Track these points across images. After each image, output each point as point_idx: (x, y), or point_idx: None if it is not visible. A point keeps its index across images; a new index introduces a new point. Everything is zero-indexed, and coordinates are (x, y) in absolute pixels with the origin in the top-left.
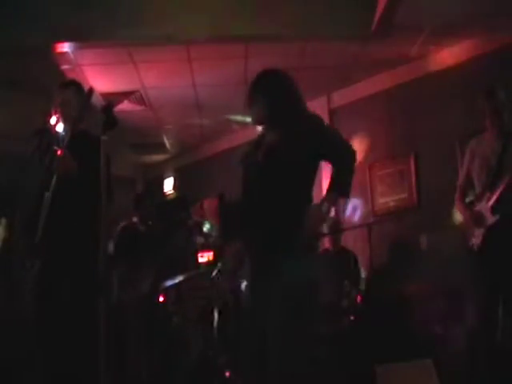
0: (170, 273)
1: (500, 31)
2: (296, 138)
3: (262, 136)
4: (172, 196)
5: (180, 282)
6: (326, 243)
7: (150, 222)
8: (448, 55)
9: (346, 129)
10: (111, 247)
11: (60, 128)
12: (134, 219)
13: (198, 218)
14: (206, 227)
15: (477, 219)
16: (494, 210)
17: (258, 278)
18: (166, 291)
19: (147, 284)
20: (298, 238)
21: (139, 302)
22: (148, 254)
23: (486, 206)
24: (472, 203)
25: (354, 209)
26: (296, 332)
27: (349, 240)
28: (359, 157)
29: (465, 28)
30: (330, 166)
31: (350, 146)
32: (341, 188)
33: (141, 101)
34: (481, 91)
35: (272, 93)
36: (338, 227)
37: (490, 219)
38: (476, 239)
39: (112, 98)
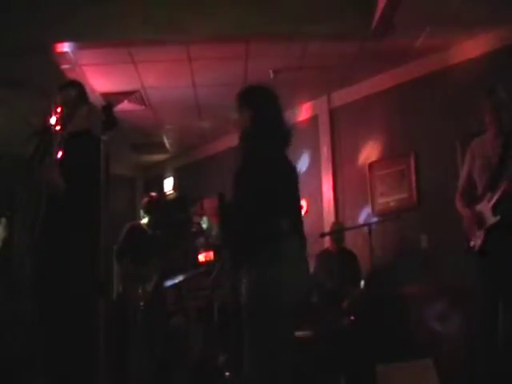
0: (172, 273)
1: (500, 31)
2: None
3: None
4: (172, 196)
5: (180, 282)
6: (327, 243)
7: (158, 230)
8: (448, 55)
9: (346, 129)
10: (117, 246)
11: (60, 128)
12: (142, 221)
13: (198, 219)
14: (205, 225)
15: (477, 220)
16: (495, 210)
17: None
18: (167, 291)
19: (151, 284)
20: (259, 249)
21: (142, 302)
22: (153, 255)
23: (487, 206)
24: (473, 203)
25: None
26: (254, 343)
27: (349, 240)
28: (360, 157)
29: (465, 28)
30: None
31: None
32: None
33: (141, 101)
34: (483, 89)
35: (255, 111)
36: (339, 227)
37: (491, 220)
38: (477, 240)
39: (112, 98)
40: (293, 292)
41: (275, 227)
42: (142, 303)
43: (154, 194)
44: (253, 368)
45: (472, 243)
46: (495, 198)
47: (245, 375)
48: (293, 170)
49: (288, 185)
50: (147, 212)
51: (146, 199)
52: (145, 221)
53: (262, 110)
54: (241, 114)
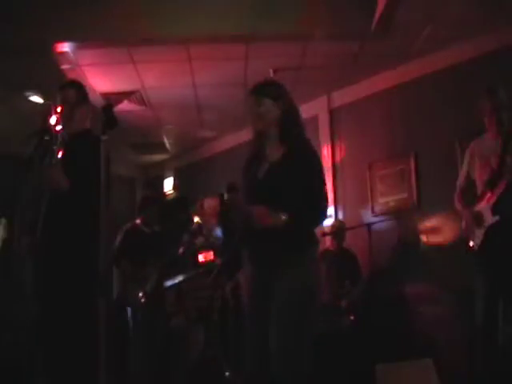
0: (172, 273)
1: (500, 31)
2: (296, 159)
3: (261, 148)
4: (172, 196)
5: (180, 282)
6: (328, 243)
7: (155, 227)
8: (448, 55)
9: (346, 129)
10: (115, 247)
11: (60, 128)
12: (138, 221)
13: (198, 219)
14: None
15: (476, 219)
16: (494, 210)
17: (261, 285)
18: (167, 291)
19: (150, 284)
20: (298, 248)
21: (141, 302)
22: (151, 255)
23: (486, 206)
24: (472, 203)
25: None
26: (299, 334)
27: (349, 240)
28: (360, 157)
29: (465, 28)
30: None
31: (324, 200)
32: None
33: (141, 101)
34: (483, 89)
35: (284, 100)
36: (340, 226)
37: (490, 219)
38: (476, 239)
39: (112, 98)
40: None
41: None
42: (141, 303)
43: (148, 192)
44: (297, 365)
45: (472, 243)
46: (494, 198)
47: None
48: None
49: None
50: (142, 210)
51: (141, 198)
52: (140, 220)
53: (290, 101)
54: (266, 105)
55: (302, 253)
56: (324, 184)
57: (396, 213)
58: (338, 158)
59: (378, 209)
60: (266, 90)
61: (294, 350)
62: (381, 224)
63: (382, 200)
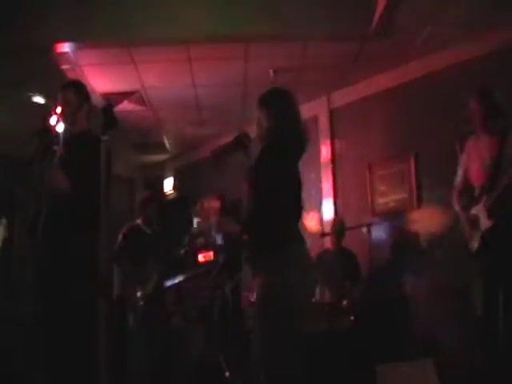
0: (172, 273)
1: (500, 31)
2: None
3: None
4: (173, 196)
5: (180, 282)
6: (328, 243)
7: (156, 227)
8: (448, 55)
9: (346, 129)
10: (115, 247)
11: (60, 128)
12: (139, 221)
13: (198, 219)
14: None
15: (472, 222)
16: (490, 212)
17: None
18: (167, 291)
19: (150, 284)
20: (266, 247)
21: (141, 302)
22: (152, 255)
23: (483, 209)
24: (470, 205)
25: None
26: (266, 334)
27: (348, 240)
28: (360, 157)
29: (465, 28)
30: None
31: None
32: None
33: (141, 101)
34: (473, 93)
35: (271, 113)
36: (340, 224)
37: (487, 223)
38: (474, 241)
39: (112, 98)
40: (304, 294)
41: (291, 229)
42: (141, 303)
43: (147, 191)
44: (267, 367)
45: (470, 245)
46: (491, 201)
47: (260, 374)
48: (299, 176)
49: (296, 188)
50: (142, 210)
51: (140, 197)
52: (140, 220)
53: (277, 113)
54: (260, 114)
55: (262, 259)
56: (262, 197)
57: (396, 213)
58: (337, 158)
59: (378, 209)
60: (261, 99)
61: (264, 353)
62: (381, 224)
63: (381, 200)
